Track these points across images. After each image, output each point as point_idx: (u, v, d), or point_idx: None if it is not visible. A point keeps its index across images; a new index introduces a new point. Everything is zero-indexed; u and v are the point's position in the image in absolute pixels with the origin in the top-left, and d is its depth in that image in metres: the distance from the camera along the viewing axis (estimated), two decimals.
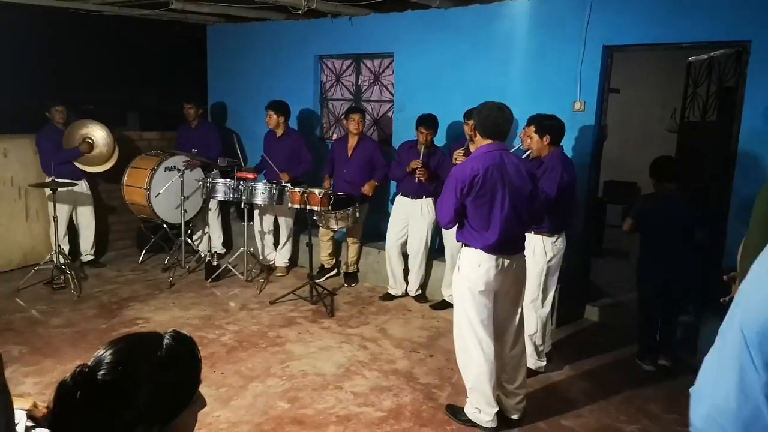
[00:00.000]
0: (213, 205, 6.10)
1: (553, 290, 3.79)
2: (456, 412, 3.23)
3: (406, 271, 5.20)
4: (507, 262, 3.00)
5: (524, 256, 3.15)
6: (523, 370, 3.19)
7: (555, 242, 3.67)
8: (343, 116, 5.84)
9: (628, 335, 4.26)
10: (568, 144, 4.63)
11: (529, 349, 3.70)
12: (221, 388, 3.45)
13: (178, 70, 7.42)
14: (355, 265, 5.58)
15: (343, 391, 3.50)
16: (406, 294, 5.19)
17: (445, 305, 4.80)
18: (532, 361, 3.68)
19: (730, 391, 1.18)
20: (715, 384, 1.25)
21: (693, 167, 4.73)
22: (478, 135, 3.02)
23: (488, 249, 2.96)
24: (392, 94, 5.84)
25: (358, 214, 5.00)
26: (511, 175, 2.95)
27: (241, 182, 5.13)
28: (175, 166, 5.77)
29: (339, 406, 3.33)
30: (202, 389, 1.18)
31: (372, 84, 6.11)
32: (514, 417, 3.16)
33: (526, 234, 3.24)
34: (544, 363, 3.77)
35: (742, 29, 4.01)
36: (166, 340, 1.15)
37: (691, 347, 4.04)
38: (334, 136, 6.26)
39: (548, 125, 3.66)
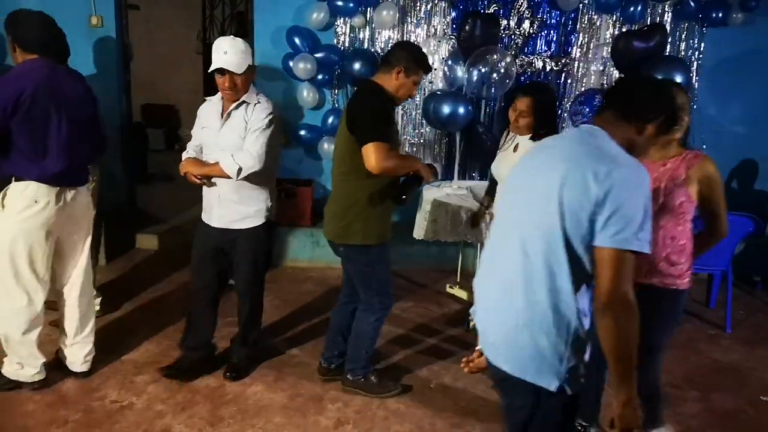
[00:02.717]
0: None
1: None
2: None
3: None
4: (71, 195, 2.65)
5: (89, 187, 2.83)
6: (92, 318, 2.90)
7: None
8: None
9: (186, 256, 4.35)
10: (89, 65, 4.20)
11: None
12: None
13: None
14: None
15: None
16: None
17: None
18: None
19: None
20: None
21: None
22: (18, 49, 2.56)
23: (49, 180, 2.54)
24: None
25: None
26: (67, 96, 2.59)
27: None
28: None
29: None
30: None
31: None
32: (83, 370, 2.86)
33: None
34: (97, 306, 3.49)
35: None
36: None
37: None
38: None
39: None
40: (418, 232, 3.88)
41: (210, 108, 2.76)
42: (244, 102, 2.65)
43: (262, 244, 2.85)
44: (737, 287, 4.32)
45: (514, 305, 1.47)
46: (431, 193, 3.87)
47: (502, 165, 2.82)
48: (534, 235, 1.44)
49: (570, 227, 1.38)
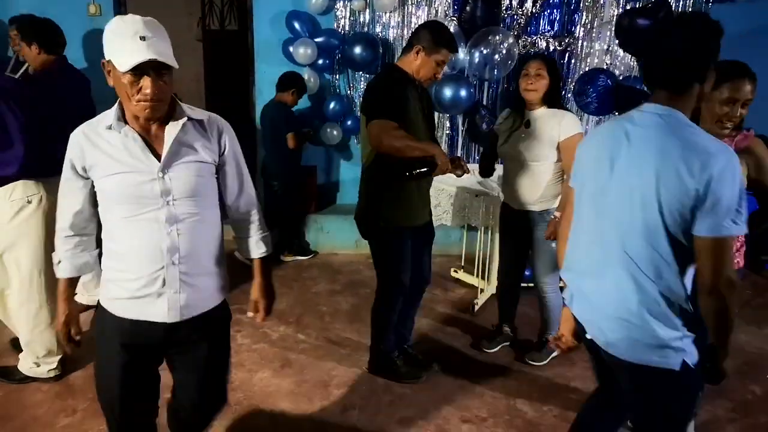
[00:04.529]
0: None
1: None
2: (7, 373, 2.77)
3: None
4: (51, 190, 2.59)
5: None
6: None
7: None
8: None
9: None
10: (88, 53, 4.19)
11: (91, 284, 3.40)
12: None
13: None
14: None
15: None
16: None
17: None
18: (88, 297, 3.41)
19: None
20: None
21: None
22: None
23: (28, 172, 2.47)
24: None
25: None
26: (6, 83, 2.54)
27: None
28: None
29: None
30: None
31: None
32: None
33: None
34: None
35: None
36: None
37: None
38: None
39: (36, 30, 2.99)
40: None
41: (111, 141, 1.55)
42: (188, 119, 1.60)
43: (228, 330, 1.86)
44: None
45: (622, 302, 1.52)
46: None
47: (519, 144, 2.75)
48: (635, 238, 1.47)
49: (672, 224, 1.41)
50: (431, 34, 2.45)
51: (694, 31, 1.42)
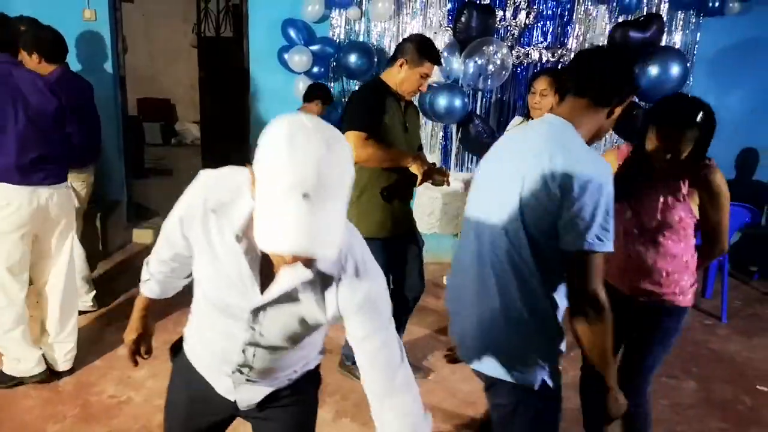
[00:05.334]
0: None
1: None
2: None
3: None
4: (46, 194, 2.60)
5: (67, 186, 2.79)
6: (73, 317, 2.89)
7: (86, 175, 3.34)
8: None
9: None
10: (83, 58, 4.19)
11: (82, 290, 3.38)
12: None
13: None
14: None
15: None
16: None
17: None
18: (80, 302, 3.38)
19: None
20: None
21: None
22: None
23: (11, 176, 2.48)
24: None
25: None
26: (25, 92, 2.52)
27: None
28: None
29: None
30: None
31: None
32: (65, 368, 2.86)
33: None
34: (90, 301, 3.50)
35: None
36: None
37: None
38: None
39: (36, 40, 3.02)
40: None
41: (227, 241, 1.15)
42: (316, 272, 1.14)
43: (314, 407, 1.67)
44: (733, 277, 4.32)
45: (489, 309, 1.46)
46: (426, 185, 3.87)
47: None
48: (500, 237, 1.41)
49: (533, 228, 1.36)
50: (415, 47, 2.48)
51: (624, 64, 1.49)
